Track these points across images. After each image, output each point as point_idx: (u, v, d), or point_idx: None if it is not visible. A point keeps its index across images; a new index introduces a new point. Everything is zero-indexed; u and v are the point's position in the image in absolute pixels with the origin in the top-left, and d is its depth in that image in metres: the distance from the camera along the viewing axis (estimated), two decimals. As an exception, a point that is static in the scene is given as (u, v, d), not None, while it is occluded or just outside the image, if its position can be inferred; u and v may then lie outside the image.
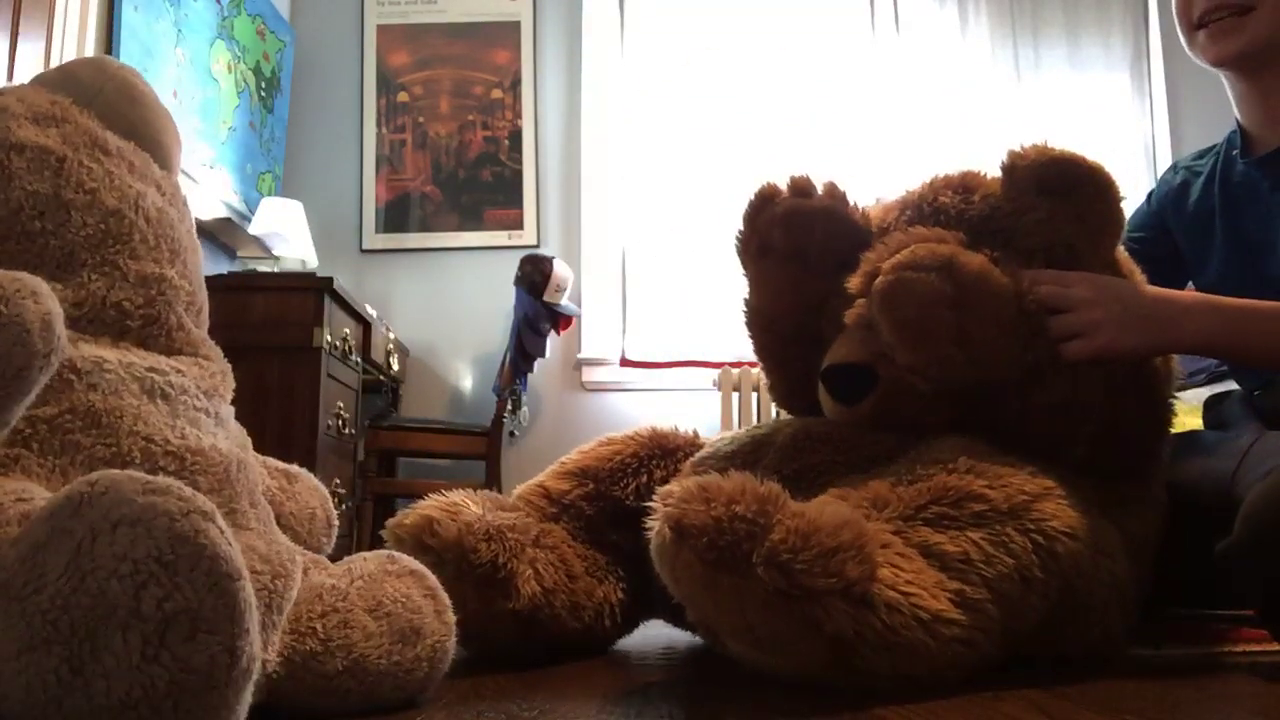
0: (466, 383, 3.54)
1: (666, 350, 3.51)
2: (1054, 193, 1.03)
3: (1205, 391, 1.54)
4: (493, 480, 3.03)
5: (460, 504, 0.99)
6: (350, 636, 0.69)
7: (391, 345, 3.24)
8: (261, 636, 0.62)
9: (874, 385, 1.02)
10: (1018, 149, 1.06)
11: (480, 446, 3.09)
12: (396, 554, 0.80)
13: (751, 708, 0.75)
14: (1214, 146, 1.40)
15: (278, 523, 0.84)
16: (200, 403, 0.78)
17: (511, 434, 3.34)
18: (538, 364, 3.22)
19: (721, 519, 0.72)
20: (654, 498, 0.79)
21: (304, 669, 0.67)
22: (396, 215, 3.62)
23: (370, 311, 3.00)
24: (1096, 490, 0.98)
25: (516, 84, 3.66)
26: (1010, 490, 0.86)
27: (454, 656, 0.77)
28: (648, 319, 3.54)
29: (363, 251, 3.59)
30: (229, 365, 0.88)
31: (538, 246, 3.53)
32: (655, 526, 0.76)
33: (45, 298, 0.60)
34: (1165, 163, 3.54)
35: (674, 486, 0.78)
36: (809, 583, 0.71)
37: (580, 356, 3.53)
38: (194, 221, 0.93)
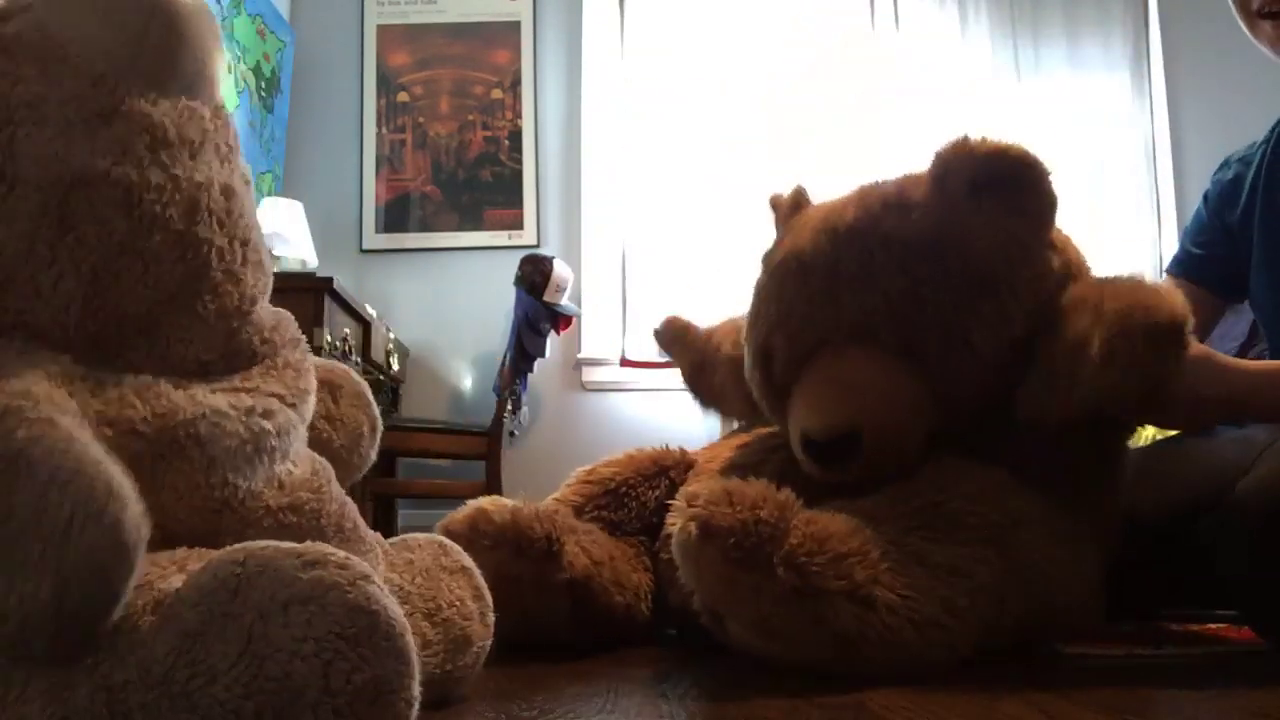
0: (466, 383, 3.55)
1: (667, 350, 3.51)
2: (989, 189, 0.98)
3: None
4: (493, 480, 3.03)
5: (501, 499, 1.05)
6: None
7: (391, 345, 3.24)
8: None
9: (859, 450, 0.95)
10: (942, 150, 1.01)
11: (480, 447, 3.09)
12: (447, 544, 0.79)
13: (753, 707, 0.75)
14: (1264, 138, 1.32)
15: (328, 458, 0.78)
16: (294, 426, 0.68)
17: (512, 434, 3.34)
18: (538, 364, 3.22)
19: (747, 522, 0.79)
20: (676, 498, 0.86)
21: None
22: (396, 215, 3.62)
23: (370, 312, 3.00)
24: (1070, 477, 1.00)
25: (516, 84, 3.66)
26: (994, 517, 0.90)
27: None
28: (648, 319, 3.54)
29: (363, 251, 3.59)
30: (292, 336, 0.73)
31: (538, 246, 3.53)
32: (679, 524, 0.82)
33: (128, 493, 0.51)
34: (1165, 163, 3.54)
35: (697, 488, 0.84)
36: (821, 584, 0.79)
37: (580, 356, 3.53)
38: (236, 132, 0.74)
